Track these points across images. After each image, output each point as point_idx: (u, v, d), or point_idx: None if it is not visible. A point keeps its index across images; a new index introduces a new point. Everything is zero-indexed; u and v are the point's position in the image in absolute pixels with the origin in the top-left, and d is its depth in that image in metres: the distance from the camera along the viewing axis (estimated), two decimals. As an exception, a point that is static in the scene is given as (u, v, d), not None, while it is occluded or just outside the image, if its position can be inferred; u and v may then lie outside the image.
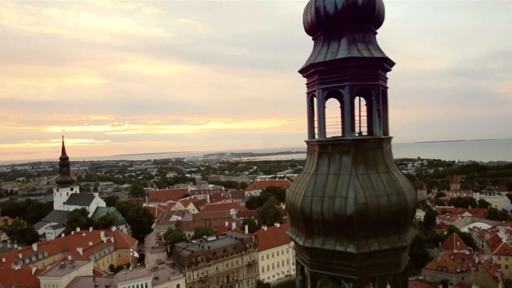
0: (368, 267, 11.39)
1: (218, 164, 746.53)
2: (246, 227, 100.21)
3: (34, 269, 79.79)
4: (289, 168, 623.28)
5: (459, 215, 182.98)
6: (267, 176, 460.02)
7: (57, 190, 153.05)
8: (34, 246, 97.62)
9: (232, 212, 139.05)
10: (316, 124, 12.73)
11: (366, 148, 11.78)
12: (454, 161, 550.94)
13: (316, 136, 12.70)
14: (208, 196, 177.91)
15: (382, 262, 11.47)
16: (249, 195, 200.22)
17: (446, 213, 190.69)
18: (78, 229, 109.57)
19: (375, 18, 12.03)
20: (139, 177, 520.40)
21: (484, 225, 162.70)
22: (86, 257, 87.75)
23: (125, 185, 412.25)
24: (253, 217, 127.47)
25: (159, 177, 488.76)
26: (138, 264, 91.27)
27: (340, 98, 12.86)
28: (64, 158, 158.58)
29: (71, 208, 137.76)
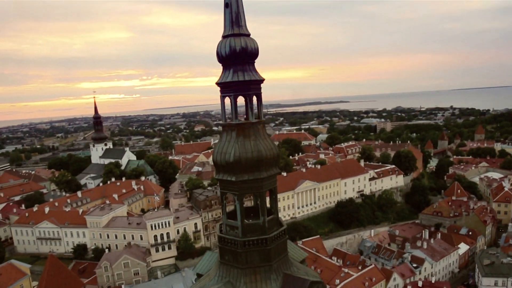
0: (243, 188, 22.50)
1: (245, 116, 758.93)
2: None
3: (80, 211, 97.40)
4: (315, 119, 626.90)
5: (474, 165, 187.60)
6: (293, 127, 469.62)
7: (93, 146, 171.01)
8: (79, 193, 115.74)
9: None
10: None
11: (244, 128, 22.44)
12: (488, 110, 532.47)
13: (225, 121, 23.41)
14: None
15: (250, 185, 22.51)
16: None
17: (462, 163, 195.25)
18: (113, 179, 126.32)
19: (249, 56, 22.12)
20: (168, 131, 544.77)
21: (496, 175, 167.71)
22: (121, 202, 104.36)
23: (155, 139, 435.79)
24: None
25: (187, 131, 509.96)
26: (162, 206, 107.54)
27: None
28: (97, 117, 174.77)
29: (106, 161, 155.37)
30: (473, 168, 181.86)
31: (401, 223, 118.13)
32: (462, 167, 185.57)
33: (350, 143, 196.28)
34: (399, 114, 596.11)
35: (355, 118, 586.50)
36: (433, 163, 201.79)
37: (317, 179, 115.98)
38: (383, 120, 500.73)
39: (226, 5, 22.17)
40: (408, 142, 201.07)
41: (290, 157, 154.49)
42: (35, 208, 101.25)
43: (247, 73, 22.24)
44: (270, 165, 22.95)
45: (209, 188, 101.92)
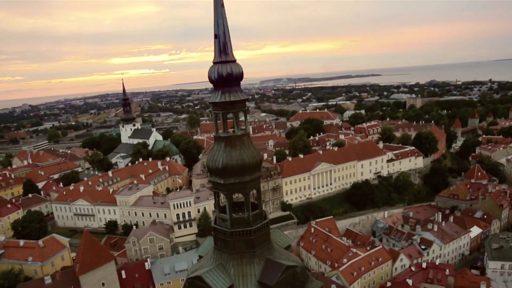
0: (230, 189, 27.23)
1: (272, 91, 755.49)
2: (274, 157, 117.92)
3: (111, 190, 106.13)
4: (343, 94, 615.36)
5: (503, 146, 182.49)
6: (320, 104, 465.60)
7: (123, 126, 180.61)
8: (110, 173, 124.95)
9: (271, 143, 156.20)
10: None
11: (231, 139, 26.94)
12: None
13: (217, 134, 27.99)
14: (251, 128, 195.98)
15: (237, 187, 27.19)
16: (290, 126, 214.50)
17: (490, 143, 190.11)
18: (140, 159, 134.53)
19: (234, 79, 26.32)
20: (196, 107, 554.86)
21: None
22: (148, 182, 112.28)
23: (183, 116, 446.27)
24: (286, 148, 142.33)
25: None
26: (185, 187, 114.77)
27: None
28: (125, 98, 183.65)
29: (135, 141, 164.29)
30: (501, 148, 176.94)
31: (417, 205, 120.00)
32: (489, 147, 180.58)
33: (373, 122, 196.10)
34: (432, 89, 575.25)
35: (385, 93, 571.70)
36: (459, 143, 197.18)
37: (334, 161, 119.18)
38: (413, 95, 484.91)
39: (215, 36, 26.37)
40: (432, 122, 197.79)
41: (311, 137, 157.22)
42: (71, 187, 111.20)
43: (232, 94, 26.60)
44: (253, 170, 27.51)
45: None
